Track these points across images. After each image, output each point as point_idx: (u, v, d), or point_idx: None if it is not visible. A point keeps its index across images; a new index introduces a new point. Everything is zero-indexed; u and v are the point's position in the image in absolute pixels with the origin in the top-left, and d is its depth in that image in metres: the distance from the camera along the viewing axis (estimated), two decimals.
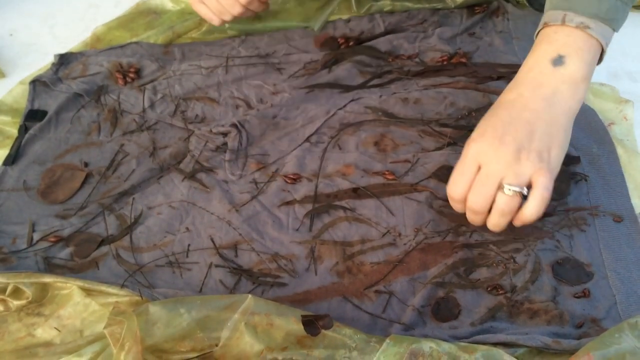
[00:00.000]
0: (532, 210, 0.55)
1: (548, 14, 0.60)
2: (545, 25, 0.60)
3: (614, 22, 0.58)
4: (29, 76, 0.86)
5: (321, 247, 0.63)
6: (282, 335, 0.53)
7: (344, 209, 0.66)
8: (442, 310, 0.57)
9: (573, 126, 0.71)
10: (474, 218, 0.59)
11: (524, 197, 0.55)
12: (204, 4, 0.80)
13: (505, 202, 0.55)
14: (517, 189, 0.55)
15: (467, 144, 0.59)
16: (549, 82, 0.58)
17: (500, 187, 0.55)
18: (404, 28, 0.88)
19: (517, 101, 0.58)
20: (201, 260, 0.63)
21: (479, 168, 0.56)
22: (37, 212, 0.69)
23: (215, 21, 0.82)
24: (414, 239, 0.63)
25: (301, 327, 0.52)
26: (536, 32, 0.62)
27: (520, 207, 0.56)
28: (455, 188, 0.58)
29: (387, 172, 0.69)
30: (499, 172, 0.55)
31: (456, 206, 0.60)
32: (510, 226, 0.61)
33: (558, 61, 0.58)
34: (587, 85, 0.58)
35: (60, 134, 0.78)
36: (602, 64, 0.81)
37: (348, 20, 0.91)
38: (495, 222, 0.57)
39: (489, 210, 0.57)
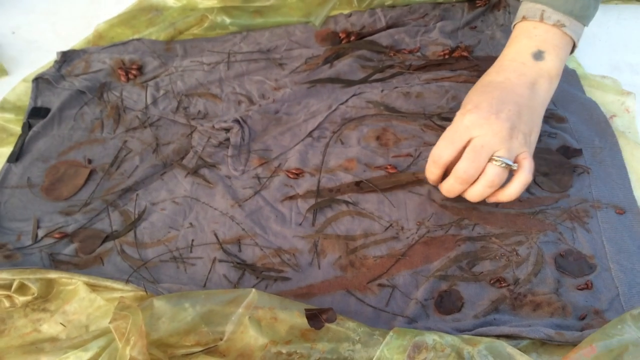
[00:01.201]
0: (513, 190, 0.58)
1: (526, 7, 0.63)
2: (524, 19, 0.63)
3: (585, 19, 0.62)
4: (32, 74, 0.86)
5: (324, 242, 0.64)
6: (286, 329, 0.53)
7: (347, 203, 0.66)
8: (445, 303, 0.57)
9: (575, 119, 0.71)
10: (457, 187, 0.59)
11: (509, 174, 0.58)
12: None
13: (496, 173, 0.57)
14: (509, 163, 0.57)
15: (460, 114, 0.60)
16: (531, 73, 0.61)
17: (491, 160, 0.57)
18: (405, 22, 0.88)
19: (506, 84, 0.61)
20: (205, 255, 0.64)
21: (470, 139, 0.58)
22: (41, 209, 0.70)
23: None
24: (416, 233, 0.63)
25: (305, 320, 0.53)
26: (514, 23, 0.65)
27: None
28: (441, 153, 0.59)
29: (389, 166, 0.69)
30: (494, 144, 0.56)
31: (435, 172, 0.61)
32: (512, 219, 0.62)
33: (538, 56, 0.61)
34: (557, 81, 0.62)
35: (64, 131, 0.78)
36: (604, 56, 0.82)
37: (349, 15, 0.91)
38: (480, 192, 0.58)
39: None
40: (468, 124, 0.58)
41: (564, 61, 0.62)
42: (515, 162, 0.57)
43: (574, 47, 0.63)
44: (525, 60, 0.61)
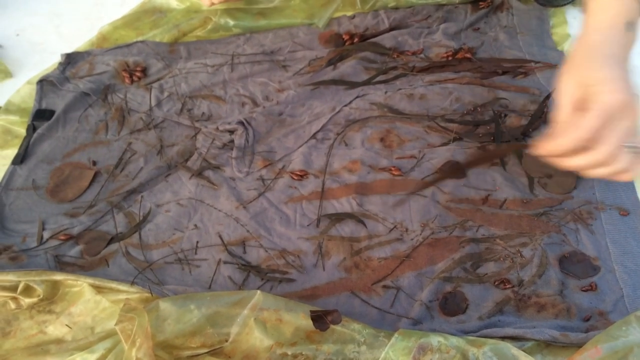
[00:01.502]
0: None
1: None
2: None
3: None
4: (36, 76, 0.86)
5: (329, 243, 0.64)
6: (291, 331, 0.53)
7: (351, 204, 0.67)
8: (449, 305, 0.58)
9: None
10: (584, 163, 0.56)
11: None
12: None
13: (627, 160, 0.54)
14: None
15: (609, 92, 0.56)
16: (626, 45, 0.59)
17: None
18: (408, 24, 0.88)
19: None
20: (210, 256, 0.64)
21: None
22: (46, 211, 0.70)
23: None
24: (420, 234, 0.63)
25: (310, 322, 0.53)
26: None
27: None
28: (591, 130, 0.55)
29: (393, 168, 0.69)
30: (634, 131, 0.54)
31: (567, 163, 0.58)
32: (516, 220, 0.62)
33: (630, 27, 0.59)
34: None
35: (68, 133, 0.79)
36: None
37: (352, 17, 0.91)
38: (604, 172, 0.56)
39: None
40: (620, 105, 0.55)
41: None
42: None
43: None
44: (620, 30, 0.59)
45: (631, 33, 0.59)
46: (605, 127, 0.54)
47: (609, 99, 0.55)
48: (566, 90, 0.58)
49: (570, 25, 0.87)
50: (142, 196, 0.70)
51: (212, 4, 0.90)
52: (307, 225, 0.66)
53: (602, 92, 0.56)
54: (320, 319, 0.53)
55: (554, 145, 0.57)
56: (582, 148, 0.55)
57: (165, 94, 0.83)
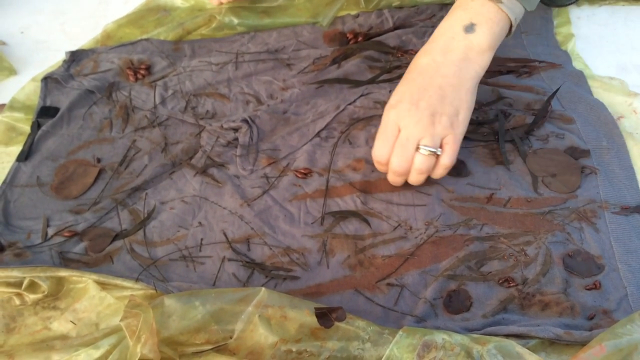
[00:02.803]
0: (445, 161, 0.62)
1: None
2: None
3: (526, 1, 0.64)
4: (41, 73, 0.86)
5: (333, 241, 0.64)
6: (295, 328, 0.53)
7: (355, 202, 0.67)
8: (454, 303, 0.58)
9: (583, 120, 0.71)
10: (396, 179, 0.65)
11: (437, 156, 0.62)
12: None
13: (422, 161, 0.62)
14: (433, 150, 0.61)
15: (387, 110, 0.64)
16: (459, 47, 0.63)
17: (417, 149, 0.61)
18: (412, 23, 0.88)
19: (430, 66, 0.63)
20: (214, 254, 0.64)
21: (399, 131, 0.62)
22: (51, 208, 0.70)
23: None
24: (425, 233, 0.63)
25: (314, 319, 0.53)
26: None
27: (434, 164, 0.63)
28: (380, 152, 0.64)
29: None
30: (417, 134, 0.61)
31: (381, 168, 0.66)
32: (521, 219, 0.62)
33: (470, 28, 0.62)
34: (491, 54, 0.64)
35: (73, 130, 0.79)
36: (611, 57, 0.82)
37: (356, 16, 0.91)
38: (415, 180, 0.64)
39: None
40: (394, 119, 0.62)
41: (499, 36, 0.63)
42: (440, 146, 0.62)
43: (511, 27, 0.64)
44: (455, 33, 0.63)
45: (471, 34, 0.62)
46: (387, 142, 0.63)
47: (383, 118, 0.64)
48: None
49: (574, 25, 0.87)
50: (146, 193, 0.70)
51: (221, 3, 0.90)
52: (311, 223, 0.66)
53: (386, 108, 0.64)
54: (325, 316, 0.53)
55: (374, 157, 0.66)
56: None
57: (170, 91, 0.83)
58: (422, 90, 0.62)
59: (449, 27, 0.64)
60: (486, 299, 0.58)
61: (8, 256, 0.65)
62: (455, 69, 0.62)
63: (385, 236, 0.64)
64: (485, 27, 0.62)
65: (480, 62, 0.63)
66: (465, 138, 0.71)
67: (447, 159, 0.62)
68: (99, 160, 0.75)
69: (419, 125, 0.61)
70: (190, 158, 0.74)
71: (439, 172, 0.64)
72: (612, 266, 0.59)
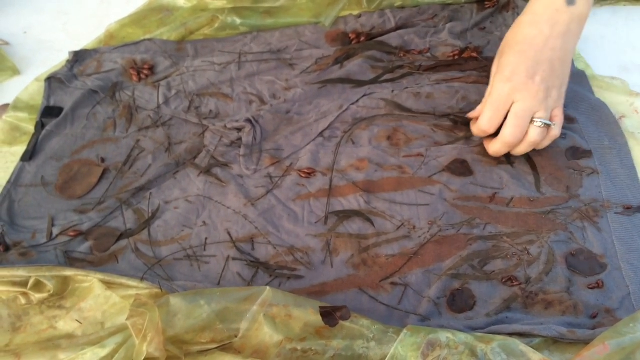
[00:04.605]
0: (556, 132, 0.65)
1: None
2: None
3: None
4: (44, 73, 0.87)
5: (337, 240, 0.64)
6: (300, 326, 0.54)
7: (359, 202, 0.67)
8: (457, 302, 0.58)
9: (585, 119, 0.72)
10: (502, 150, 0.66)
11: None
12: None
13: (538, 133, 0.64)
14: (548, 122, 0.64)
15: (500, 82, 0.65)
16: (564, 20, 0.64)
17: (532, 121, 0.64)
18: (414, 23, 0.89)
19: (539, 38, 0.64)
20: (218, 253, 0.64)
21: (512, 104, 0.64)
22: (55, 207, 0.70)
23: None
24: (428, 232, 0.64)
25: (319, 318, 0.53)
26: None
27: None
28: (490, 123, 0.65)
29: (401, 167, 0.70)
30: (533, 107, 0.63)
31: (483, 136, 0.68)
32: (523, 218, 0.62)
33: (571, 1, 0.63)
34: (585, 24, 0.66)
35: (77, 130, 0.79)
36: (613, 57, 0.82)
37: (359, 16, 0.91)
38: (522, 150, 0.66)
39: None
40: (509, 92, 0.64)
41: (591, 8, 0.65)
42: (550, 118, 0.64)
43: None
44: (560, 5, 0.64)
45: (573, 6, 0.63)
46: (499, 114, 0.64)
47: (496, 89, 0.65)
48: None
49: None
50: (150, 193, 0.71)
51: None
52: (315, 223, 0.66)
53: (494, 82, 0.66)
54: (330, 315, 0.53)
55: (476, 130, 0.68)
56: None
57: (173, 91, 0.83)
58: (536, 64, 0.63)
59: (551, 1, 0.64)
60: (489, 298, 0.58)
61: (13, 256, 0.65)
62: (562, 42, 0.64)
63: (389, 235, 0.64)
64: None
65: (579, 34, 0.65)
66: (468, 138, 0.71)
67: (558, 130, 0.65)
68: (103, 160, 0.75)
69: (535, 99, 0.63)
70: (194, 158, 0.74)
71: (546, 144, 0.66)
72: (614, 265, 0.59)
